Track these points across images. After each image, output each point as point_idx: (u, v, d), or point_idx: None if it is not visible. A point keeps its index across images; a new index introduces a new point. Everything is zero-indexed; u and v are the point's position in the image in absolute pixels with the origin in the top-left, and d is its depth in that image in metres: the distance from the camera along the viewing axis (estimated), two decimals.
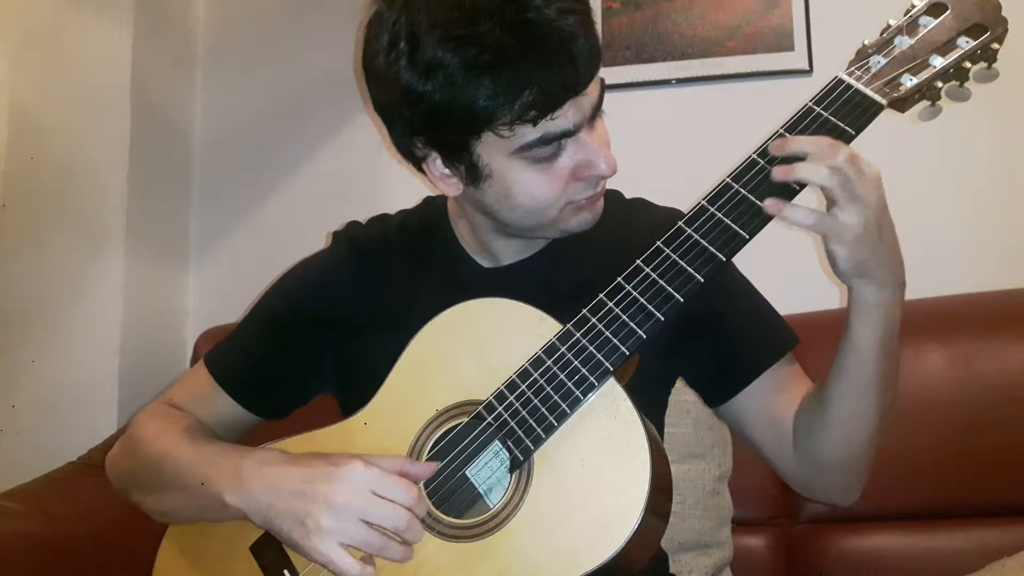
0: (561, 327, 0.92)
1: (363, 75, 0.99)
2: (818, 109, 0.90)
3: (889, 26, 0.94)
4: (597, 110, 0.97)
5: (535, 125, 0.91)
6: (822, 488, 1.07)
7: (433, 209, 1.19)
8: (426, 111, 0.93)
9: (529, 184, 0.97)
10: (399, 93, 0.94)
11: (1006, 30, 0.91)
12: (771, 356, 1.07)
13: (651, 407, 0.93)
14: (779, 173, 0.87)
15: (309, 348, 1.15)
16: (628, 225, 1.11)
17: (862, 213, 0.85)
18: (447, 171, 1.00)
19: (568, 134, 0.94)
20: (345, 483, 0.88)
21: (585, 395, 0.88)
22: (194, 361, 1.86)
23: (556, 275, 1.08)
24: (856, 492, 1.07)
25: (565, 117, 0.92)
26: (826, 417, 0.98)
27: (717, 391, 1.10)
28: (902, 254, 0.92)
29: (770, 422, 1.06)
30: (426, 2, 0.91)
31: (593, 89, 0.95)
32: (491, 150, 0.95)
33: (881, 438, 1.00)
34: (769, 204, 0.87)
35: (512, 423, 0.90)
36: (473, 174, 0.98)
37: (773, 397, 1.06)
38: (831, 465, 1.02)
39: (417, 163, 1.02)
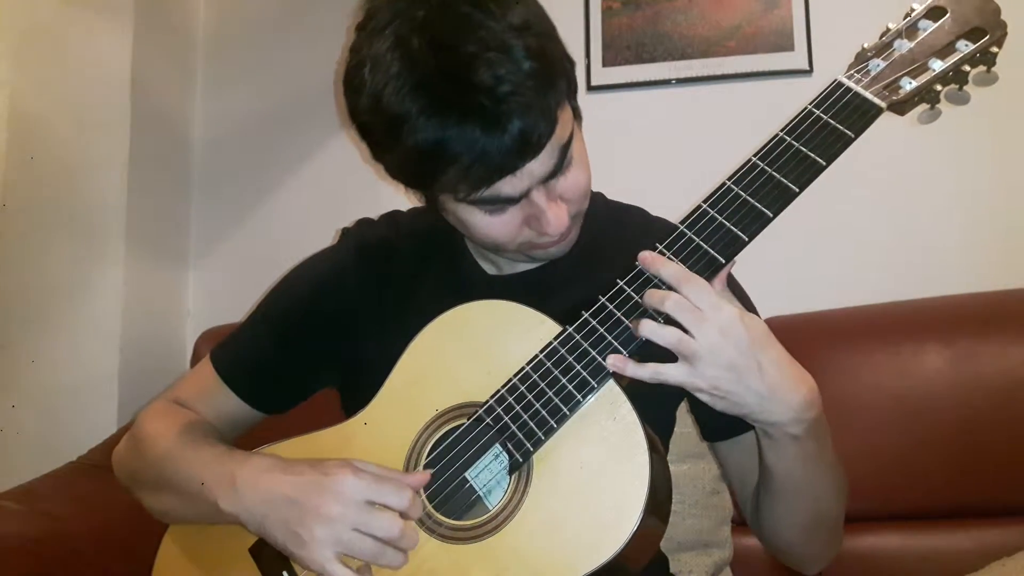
0: (561, 329, 0.92)
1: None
2: (818, 112, 0.90)
3: (888, 29, 0.94)
4: (554, 175, 0.94)
5: (459, 200, 0.92)
6: (777, 554, 1.11)
7: None
8: (373, 145, 0.96)
9: (482, 225, 0.97)
10: (355, 117, 0.95)
11: (1005, 34, 0.91)
12: None
13: (654, 415, 0.92)
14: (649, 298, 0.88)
15: (313, 346, 1.15)
16: (643, 243, 1.10)
17: (705, 375, 0.84)
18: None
19: (508, 201, 0.93)
20: (334, 494, 0.88)
21: (585, 397, 0.88)
22: (194, 361, 1.87)
23: (560, 287, 1.07)
24: (812, 568, 1.11)
25: (499, 188, 0.91)
26: (760, 505, 1.03)
27: (708, 429, 1.12)
28: (804, 388, 0.86)
29: (741, 479, 1.10)
30: (398, 46, 0.87)
31: (543, 161, 0.91)
32: (438, 195, 0.97)
33: (822, 531, 1.03)
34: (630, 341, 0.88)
35: (512, 426, 0.90)
36: (431, 205, 1.01)
37: (752, 458, 1.05)
38: (773, 541, 1.07)
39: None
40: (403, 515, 0.89)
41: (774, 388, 0.85)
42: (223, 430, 1.14)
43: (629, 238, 1.09)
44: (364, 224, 1.22)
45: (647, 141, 1.94)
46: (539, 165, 0.91)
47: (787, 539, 1.04)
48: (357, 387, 1.05)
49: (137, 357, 1.94)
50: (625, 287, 0.90)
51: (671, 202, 1.18)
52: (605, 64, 1.98)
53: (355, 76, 0.92)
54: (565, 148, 0.94)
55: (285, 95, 2.17)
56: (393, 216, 1.22)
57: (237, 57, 2.21)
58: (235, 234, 2.17)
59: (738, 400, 0.85)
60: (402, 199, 1.33)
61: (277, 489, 0.92)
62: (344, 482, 0.89)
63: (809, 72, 1.87)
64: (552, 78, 0.89)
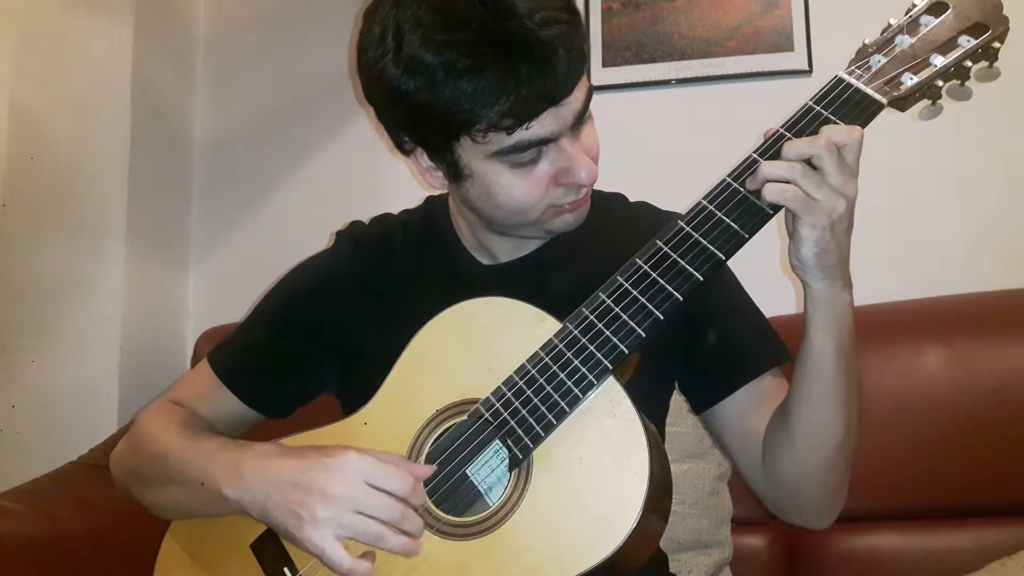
0: (561, 326, 0.92)
1: (355, 64, 0.99)
2: (818, 108, 0.90)
3: (890, 25, 0.94)
4: (581, 117, 0.97)
5: (509, 134, 0.92)
6: (790, 507, 1.06)
7: (435, 207, 1.19)
8: (407, 109, 0.94)
9: (509, 187, 0.97)
10: (384, 88, 0.94)
11: (1007, 29, 0.91)
12: (756, 368, 1.06)
13: (651, 410, 0.92)
14: (751, 183, 0.88)
15: (311, 347, 1.15)
16: (628, 227, 1.11)
17: (837, 196, 0.85)
18: (432, 165, 1.02)
19: (544, 142, 0.94)
20: (339, 473, 0.89)
21: (584, 393, 0.88)
22: (194, 361, 1.86)
23: (555, 274, 1.09)
24: (827, 516, 1.05)
25: (542, 125, 0.92)
26: (788, 429, 0.97)
27: (701, 397, 1.10)
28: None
29: (744, 435, 1.06)
30: (416, 1, 0.91)
31: (576, 98, 0.94)
32: (470, 152, 0.96)
33: (846, 457, 0.98)
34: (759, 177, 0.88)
35: (512, 422, 0.90)
36: (455, 172, 0.99)
37: (752, 410, 1.05)
38: (794, 481, 1.00)
39: (406, 154, 1.03)
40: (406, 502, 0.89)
41: (848, 248, 0.90)
42: (224, 431, 1.14)
43: (623, 226, 1.10)
44: (357, 225, 1.23)
45: (647, 141, 1.94)
46: (575, 100, 0.94)
47: (812, 467, 0.98)
48: (357, 387, 1.05)
49: (137, 357, 1.94)
50: (623, 282, 0.91)
51: (671, 203, 1.18)
52: (605, 64, 1.98)
53: (377, 48, 0.94)
54: (590, 93, 0.97)
55: (285, 95, 2.17)
56: (384, 218, 1.23)
57: (237, 57, 2.21)
58: (235, 234, 2.17)
59: (838, 244, 0.87)
60: (403, 198, 1.33)
61: (281, 472, 0.92)
62: (348, 460, 0.89)
63: (809, 72, 1.87)
64: (578, 13, 0.95)
